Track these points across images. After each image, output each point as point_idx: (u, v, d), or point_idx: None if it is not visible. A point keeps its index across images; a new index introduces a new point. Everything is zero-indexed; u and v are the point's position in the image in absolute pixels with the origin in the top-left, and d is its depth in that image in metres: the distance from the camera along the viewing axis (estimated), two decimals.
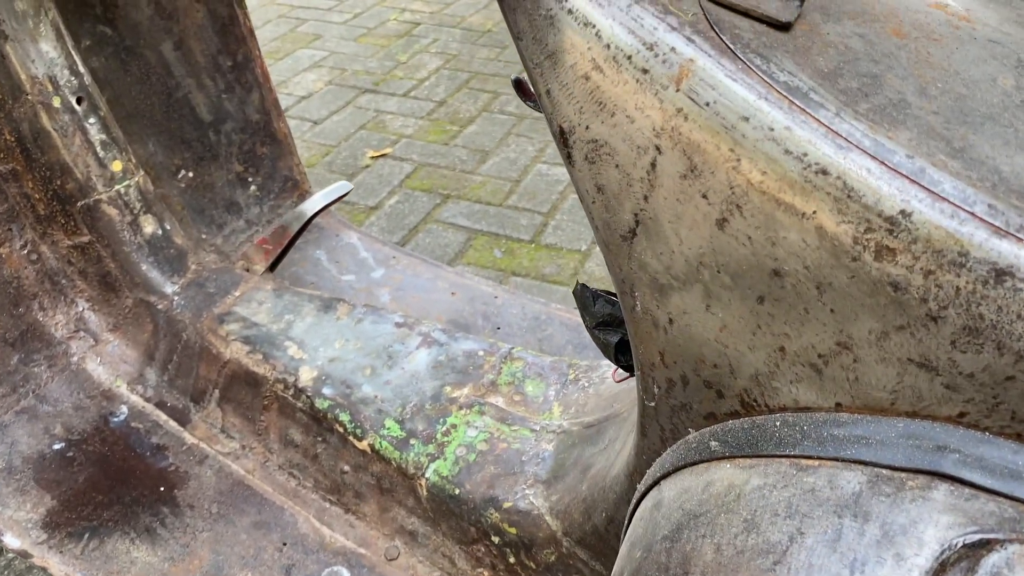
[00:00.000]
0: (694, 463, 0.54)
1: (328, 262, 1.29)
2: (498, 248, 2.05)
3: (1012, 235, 0.40)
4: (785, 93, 0.46)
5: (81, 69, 0.99)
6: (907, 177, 0.42)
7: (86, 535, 0.91)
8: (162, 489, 0.96)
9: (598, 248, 2.01)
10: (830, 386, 0.48)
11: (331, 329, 1.04)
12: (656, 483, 0.58)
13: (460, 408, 0.94)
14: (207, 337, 1.03)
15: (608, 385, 0.92)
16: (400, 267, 1.29)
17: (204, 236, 1.20)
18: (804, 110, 0.45)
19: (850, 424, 0.47)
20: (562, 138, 0.56)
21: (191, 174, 1.22)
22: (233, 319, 1.05)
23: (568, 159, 0.57)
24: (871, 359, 0.45)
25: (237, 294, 1.07)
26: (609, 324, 0.72)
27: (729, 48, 0.48)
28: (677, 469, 0.56)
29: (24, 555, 0.88)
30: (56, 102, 0.98)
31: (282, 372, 0.98)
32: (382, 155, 2.43)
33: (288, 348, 1.01)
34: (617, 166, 0.53)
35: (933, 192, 0.42)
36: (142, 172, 1.05)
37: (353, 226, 1.35)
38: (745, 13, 0.50)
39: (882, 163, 0.43)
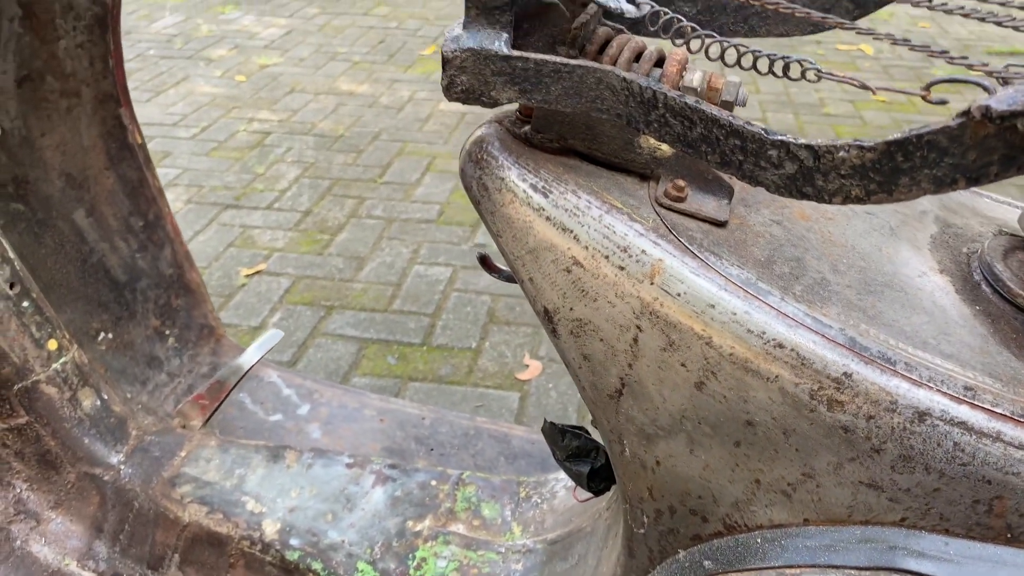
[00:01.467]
0: None
1: (253, 404, 1.32)
2: (391, 355, 2.12)
3: (925, 385, 0.55)
4: (740, 284, 0.59)
5: (11, 255, 1.00)
6: (843, 346, 0.56)
7: None
8: None
9: (488, 345, 2.13)
10: (799, 507, 0.61)
11: (284, 478, 1.08)
12: None
13: (425, 541, 1.01)
14: (161, 502, 1.04)
15: (561, 499, 1.02)
16: (324, 400, 1.34)
17: (129, 395, 1.20)
18: (756, 297, 0.58)
19: (818, 535, 0.60)
20: (547, 316, 0.67)
21: (111, 335, 1.22)
22: (185, 480, 1.06)
23: (553, 333, 0.68)
24: (830, 484, 0.59)
25: (183, 454, 1.09)
26: (577, 455, 0.82)
27: (688, 248, 0.61)
28: None
29: None
30: None
31: (245, 528, 1.01)
32: (256, 272, 2.45)
33: (247, 503, 1.04)
34: (602, 340, 0.64)
35: (865, 356, 0.56)
36: (75, 346, 1.06)
37: (270, 363, 1.38)
38: (691, 215, 0.64)
39: (823, 336, 0.57)
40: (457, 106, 3.59)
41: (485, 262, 0.80)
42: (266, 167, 3.03)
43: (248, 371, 1.26)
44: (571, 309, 0.65)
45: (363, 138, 3.28)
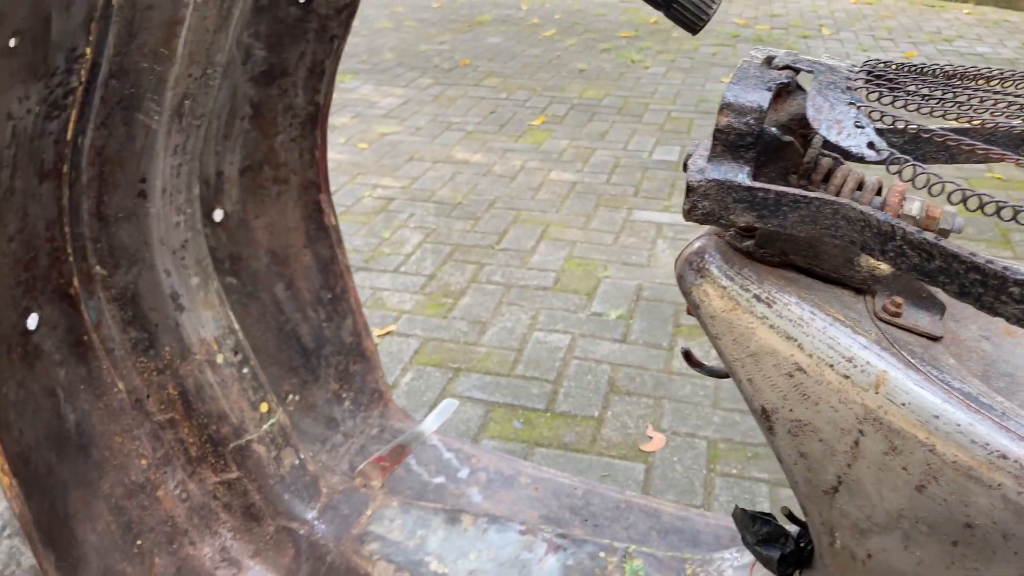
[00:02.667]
0: None
1: (417, 466, 1.41)
2: (516, 419, 2.20)
3: None
4: (962, 397, 0.65)
5: (236, 326, 1.13)
6: None
7: None
8: None
9: (610, 414, 2.19)
10: None
11: (462, 541, 1.16)
12: None
13: None
14: (352, 558, 1.13)
15: None
16: (481, 465, 1.43)
17: (311, 454, 1.31)
18: (979, 411, 0.64)
19: None
20: (764, 415, 0.74)
21: (298, 397, 1.34)
22: (372, 539, 1.16)
23: (769, 431, 0.74)
24: None
25: (368, 513, 1.19)
26: (767, 540, 0.88)
27: (911, 362, 0.67)
28: None
29: None
30: (219, 359, 1.11)
31: None
32: (387, 332, 2.58)
33: (430, 563, 1.12)
34: (821, 440, 0.71)
35: None
36: (280, 410, 1.18)
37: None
38: (908, 330, 0.70)
39: None
40: (568, 176, 3.72)
41: (689, 357, 0.88)
42: (391, 232, 3.20)
43: (424, 439, 1.36)
44: (790, 410, 0.72)
45: (479, 206, 3.43)
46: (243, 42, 1.15)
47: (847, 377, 0.69)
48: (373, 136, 4.19)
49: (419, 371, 2.39)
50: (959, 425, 0.65)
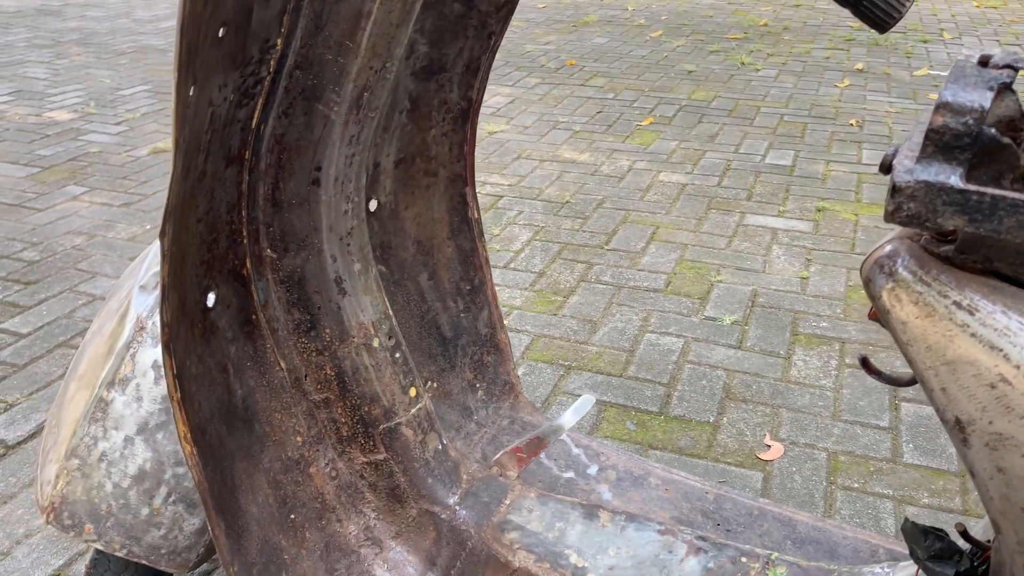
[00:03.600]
0: None
1: (547, 460, 1.42)
2: (629, 420, 2.19)
3: None
4: None
5: (390, 312, 1.16)
6: None
7: None
8: None
9: (726, 420, 2.16)
10: None
11: (601, 537, 1.16)
12: None
13: None
14: (492, 545, 1.15)
15: None
16: (610, 463, 1.43)
17: (446, 441, 1.34)
18: None
19: None
20: (958, 426, 0.72)
21: (435, 384, 1.37)
22: (511, 527, 1.17)
23: (963, 443, 0.72)
24: None
25: (507, 502, 1.20)
26: (941, 558, 0.85)
27: None
28: None
29: None
30: (375, 342, 1.14)
31: None
32: None
33: (569, 556, 1.13)
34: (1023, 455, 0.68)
35: None
36: (426, 396, 1.21)
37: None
38: None
39: None
40: (678, 177, 3.68)
41: (866, 364, 0.86)
42: (501, 228, 3.23)
43: (563, 432, 1.37)
44: (990, 423, 0.69)
45: (587, 205, 3.43)
46: (409, 37, 1.19)
47: None
48: (481, 134, 4.24)
49: (531, 367, 2.41)
50: None
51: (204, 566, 1.70)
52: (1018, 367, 0.68)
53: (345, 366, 1.14)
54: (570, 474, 1.40)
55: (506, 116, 4.50)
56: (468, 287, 1.40)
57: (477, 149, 4.02)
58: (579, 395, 2.27)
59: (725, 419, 2.18)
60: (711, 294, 2.77)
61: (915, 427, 2.12)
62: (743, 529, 1.30)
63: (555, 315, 2.67)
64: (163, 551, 1.13)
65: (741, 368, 2.38)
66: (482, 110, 4.58)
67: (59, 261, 2.96)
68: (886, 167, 0.73)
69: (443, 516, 1.19)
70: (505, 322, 2.64)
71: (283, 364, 1.13)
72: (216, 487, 0.98)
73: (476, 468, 1.26)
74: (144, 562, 1.13)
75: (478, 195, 3.53)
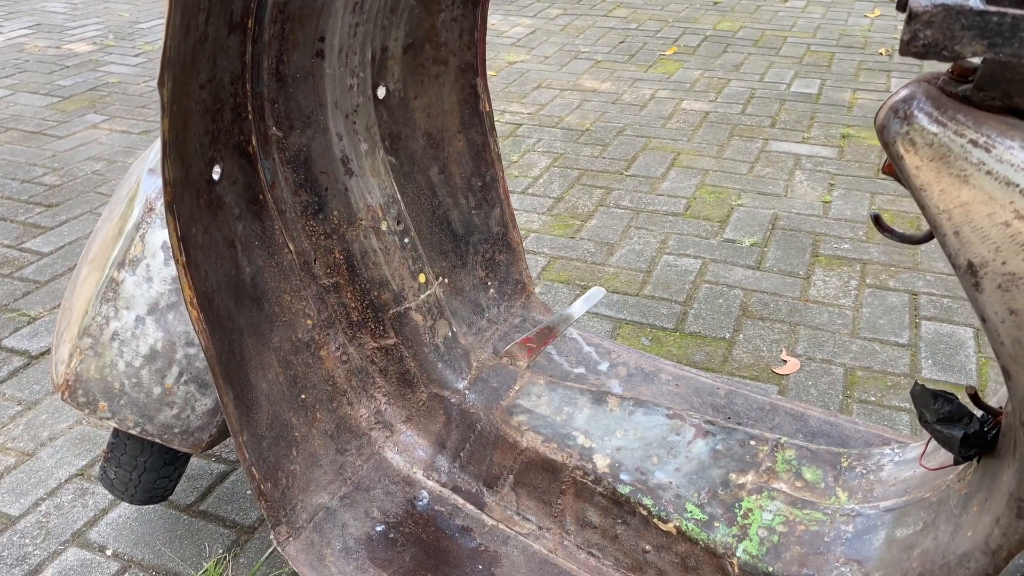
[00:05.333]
0: None
1: (558, 356, 1.42)
2: (644, 336, 2.18)
3: None
4: None
5: (398, 197, 1.15)
6: None
7: None
8: (480, 567, 1.08)
9: (742, 337, 2.14)
10: None
11: (609, 420, 1.16)
12: None
13: (749, 493, 1.05)
14: (501, 427, 1.15)
15: (889, 472, 1.04)
16: (621, 360, 1.42)
17: (456, 329, 1.34)
18: None
19: None
20: (970, 270, 0.70)
21: (447, 280, 1.37)
22: (520, 411, 1.17)
23: (975, 287, 0.70)
24: None
25: (517, 388, 1.21)
26: (950, 420, 0.84)
27: None
28: None
29: None
30: (384, 226, 1.14)
31: (578, 460, 1.10)
32: None
33: (577, 437, 1.13)
34: None
35: None
36: (436, 283, 1.20)
37: (572, 323, 1.48)
38: None
39: None
40: (700, 106, 3.61)
41: (879, 222, 0.84)
42: (519, 155, 3.20)
43: (574, 321, 1.37)
44: (1003, 263, 0.68)
45: (608, 132, 3.38)
46: None
47: None
48: (501, 64, 4.18)
49: (547, 286, 2.40)
50: None
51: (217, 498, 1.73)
52: None
53: (354, 249, 1.14)
54: (580, 369, 1.40)
55: (527, 46, 4.43)
56: (480, 183, 1.39)
57: (496, 79, 3.97)
58: (596, 314, 2.27)
59: (741, 336, 2.17)
60: (731, 217, 2.74)
61: (935, 344, 2.09)
62: (753, 423, 1.29)
63: (572, 238, 2.65)
64: (176, 430, 1.14)
65: (759, 288, 2.36)
66: (502, 40, 4.51)
67: (80, 185, 2.98)
68: (903, 2, 0.70)
69: (453, 400, 1.19)
70: (525, 258, 2.63)
71: (292, 246, 1.13)
72: (224, 356, 0.99)
73: (486, 357, 1.26)
74: (157, 440, 1.15)
75: (496, 124, 3.49)
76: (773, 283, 2.37)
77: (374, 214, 1.13)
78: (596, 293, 1.43)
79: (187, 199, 0.94)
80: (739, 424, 1.30)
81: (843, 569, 0.94)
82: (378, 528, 1.11)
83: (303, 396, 1.13)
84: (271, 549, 1.55)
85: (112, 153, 3.23)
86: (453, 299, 1.38)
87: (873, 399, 1.93)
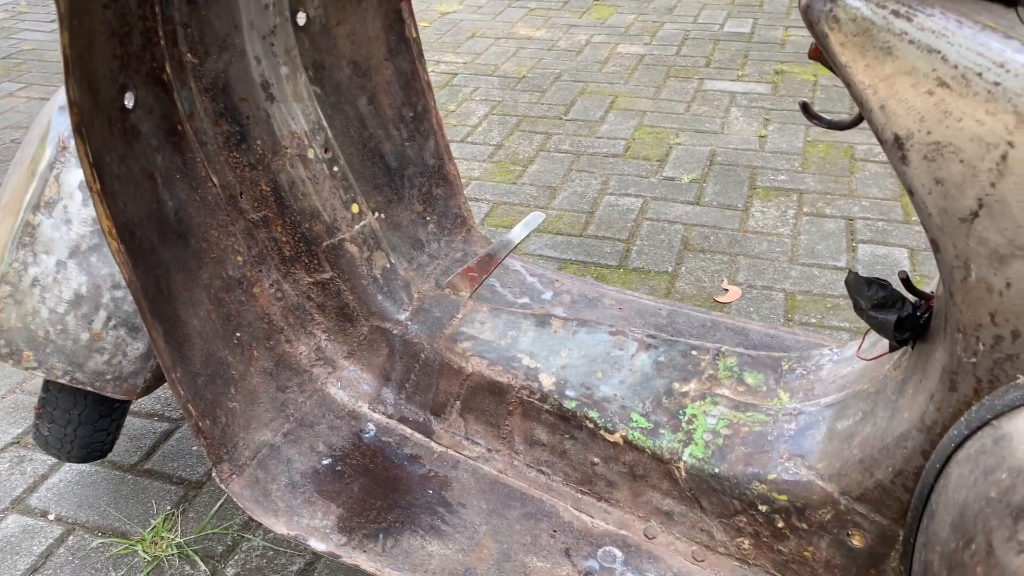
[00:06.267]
0: None
1: (502, 288, 1.41)
2: (589, 275, 2.18)
3: None
4: None
5: (324, 124, 1.12)
6: None
7: (380, 535, 1.01)
8: (430, 492, 1.07)
9: (684, 269, 2.16)
10: None
11: (553, 341, 1.16)
12: (985, 424, 0.71)
13: (693, 400, 1.06)
14: (445, 355, 1.14)
15: (828, 371, 1.05)
16: (565, 288, 1.42)
17: (394, 260, 1.31)
18: None
19: None
20: (896, 143, 0.70)
21: (383, 215, 1.34)
22: (464, 338, 1.16)
23: (902, 160, 0.70)
24: None
25: (460, 316, 1.19)
26: (883, 305, 0.85)
27: None
28: (1013, 409, 0.68)
29: (333, 556, 0.98)
30: (311, 154, 1.10)
31: (524, 380, 1.10)
32: None
33: (522, 359, 1.13)
34: (962, 161, 0.67)
35: None
36: (370, 213, 1.17)
37: (515, 255, 1.47)
38: None
39: None
40: (636, 48, 3.60)
41: (807, 109, 0.84)
42: (457, 104, 3.15)
43: (514, 248, 1.35)
44: (928, 133, 0.68)
45: (545, 79, 3.35)
46: None
47: (998, 84, 0.64)
48: (433, 15, 4.10)
49: (491, 232, 2.38)
50: None
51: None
52: (955, 67, 0.66)
53: (281, 180, 1.10)
54: (525, 299, 1.39)
55: None
56: (411, 114, 1.36)
57: (430, 30, 3.90)
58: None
59: (683, 268, 2.18)
60: (669, 156, 2.74)
61: (872, 265, 2.14)
62: (696, 339, 1.30)
63: (514, 184, 2.63)
64: (108, 377, 1.10)
65: (699, 222, 2.38)
66: None
67: None
68: None
69: (395, 332, 1.17)
70: (464, 192, 2.60)
71: (215, 180, 1.09)
72: (150, 291, 0.95)
73: (428, 288, 1.24)
74: (89, 388, 1.11)
75: (432, 73, 3.43)
76: (713, 217, 2.39)
77: (299, 141, 1.09)
78: (535, 218, 1.41)
79: (98, 125, 0.89)
80: (682, 337, 1.31)
81: (787, 464, 0.95)
82: (324, 462, 1.09)
83: (238, 334, 1.10)
84: (220, 502, 1.52)
85: (30, 120, 3.09)
86: (392, 234, 1.35)
87: (814, 320, 1.96)
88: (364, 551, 0.98)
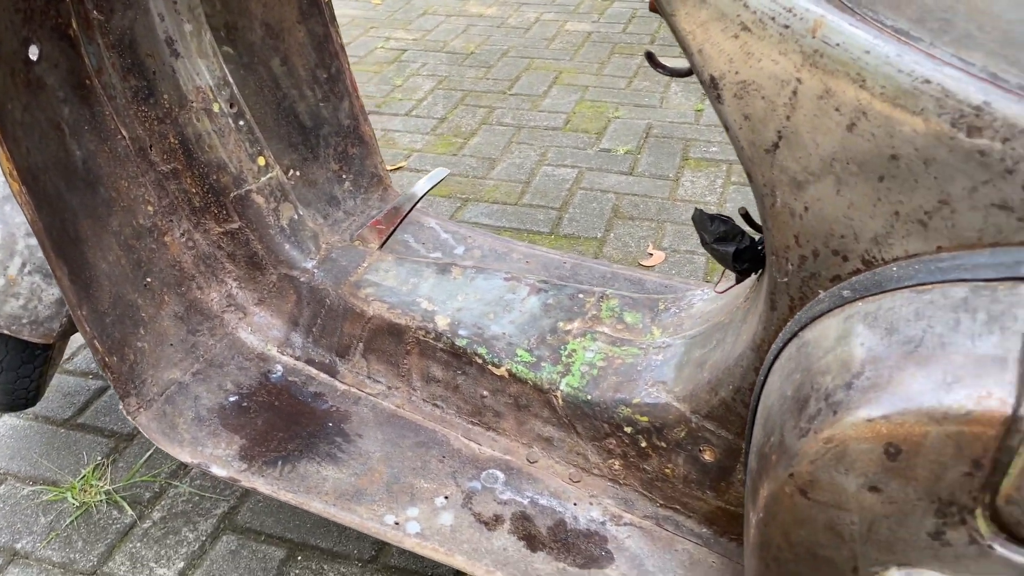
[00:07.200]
0: (829, 311, 0.76)
1: (415, 243, 1.48)
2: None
3: None
4: (893, 32, 0.68)
5: (230, 80, 1.18)
6: (985, 80, 0.65)
7: (279, 462, 1.08)
8: (330, 424, 1.14)
9: (613, 235, 2.24)
10: (933, 235, 0.70)
11: (451, 286, 1.23)
12: (794, 335, 0.79)
13: (575, 337, 1.14)
14: (349, 300, 1.21)
15: (698, 308, 1.14)
16: (477, 244, 1.49)
17: (303, 212, 1.38)
18: (908, 43, 0.67)
19: (951, 259, 0.70)
20: (712, 83, 0.78)
21: (298, 173, 1.40)
22: (368, 285, 1.23)
23: (717, 99, 0.78)
24: (964, 208, 0.68)
25: (365, 265, 1.26)
26: (724, 239, 0.93)
27: (846, 5, 0.70)
28: (814, 319, 0.77)
29: (232, 481, 1.05)
30: (216, 107, 1.16)
31: (421, 321, 1.17)
32: (398, 168, 2.63)
33: (421, 303, 1.20)
34: (763, 98, 0.75)
35: (1004, 87, 0.64)
36: (278, 167, 1.24)
37: (431, 213, 1.54)
38: None
39: (966, 72, 0.65)
40: (584, 25, 3.67)
41: (652, 59, 0.91)
42: (403, 79, 3.20)
43: (419, 200, 1.42)
44: (736, 73, 0.76)
45: (493, 55, 3.41)
46: None
47: (787, 27, 0.72)
48: None
49: (428, 201, 2.45)
50: (887, 57, 0.68)
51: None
52: (754, 12, 0.73)
53: (188, 133, 1.17)
54: (436, 254, 1.46)
55: None
56: (325, 75, 1.42)
57: (382, 7, 3.94)
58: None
59: (612, 234, 2.27)
60: (608, 129, 2.82)
61: None
62: (594, 286, 1.38)
63: (455, 155, 2.70)
64: (24, 321, 1.16)
65: (631, 191, 2.46)
66: None
67: None
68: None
69: (302, 279, 1.24)
70: (404, 164, 2.66)
71: (125, 132, 1.15)
72: (55, 233, 1.01)
73: (337, 240, 1.31)
74: (5, 332, 1.17)
75: (380, 50, 3.48)
76: (644, 186, 2.48)
77: (204, 96, 1.15)
78: (440, 172, 1.49)
79: (0, 75, 0.95)
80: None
81: (650, 390, 1.03)
82: (231, 399, 1.16)
83: (148, 279, 1.16)
84: (149, 452, 1.59)
85: None
86: (307, 191, 1.41)
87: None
88: (262, 476, 1.06)
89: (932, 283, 0.69)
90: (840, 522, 0.67)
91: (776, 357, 0.82)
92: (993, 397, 0.59)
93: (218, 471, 1.06)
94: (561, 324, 1.16)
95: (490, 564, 0.97)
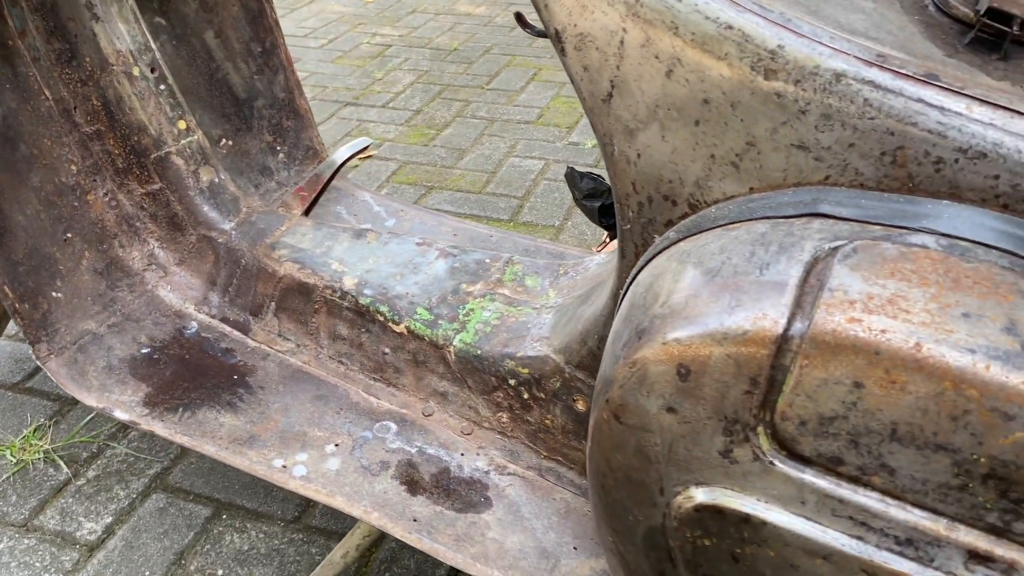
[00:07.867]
0: (659, 253, 0.79)
1: (347, 215, 1.53)
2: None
3: (844, 53, 0.66)
4: None
5: (152, 46, 1.23)
6: (780, 25, 0.68)
7: (180, 409, 1.12)
8: (235, 377, 1.18)
9: (570, 224, 2.28)
10: (745, 176, 0.73)
11: (364, 250, 1.27)
12: (634, 278, 0.83)
13: (475, 298, 1.18)
14: (263, 260, 1.25)
15: (592, 271, 1.17)
16: (408, 217, 1.53)
17: (224, 176, 1.42)
18: None
19: (759, 199, 0.73)
20: (557, 36, 0.82)
21: (231, 143, 1.45)
22: (283, 246, 1.28)
23: (562, 52, 0.82)
24: (768, 149, 0.71)
25: (283, 228, 1.31)
26: (592, 195, 0.97)
27: None
28: (648, 262, 0.80)
29: (133, 424, 1.09)
30: (136, 71, 1.21)
31: (329, 281, 1.21)
32: (368, 156, 2.68)
33: (332, 264, 1.24)
34: (597, 49, 0.78)
35: (797, 32, 0.68)
36: (200, 131, 1.29)
37: (365, 187, 1.59)
38: None
39: (764, 18, 0.69)
40: None
41: (520, 19, 0.95)
42: (384, 73, 3.26)
43: (341, 166, 1.47)
44: (575, 25, 0.79)
45: (475, 52, 3.46)
46: None
47: None
48: None
49: (394, 188, 2.50)
50: (696, 4, 0.72)
51: None
52: None
53: (109, 95, 1.22)
54: (367, 225, 1.51)
55: None
56: (259, 48, 1.47)
57: (373, 5, 4.00)
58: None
59: (569, 223, 2.30)
60: (579, 124, 2.86)
61: None
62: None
63: (426, 146, 2.75)
64: None
65: None
66: None
67: None
68: None
69: (220, 240, 1.29)
70: (374, 153, 2.72)
71: (49, 93, 1.20)
72: None
73: (260, 205, 1.36)
74: None
75: (365, 45, 3.54)
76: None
77: (125, 60, 1.21)
78: (362, 141, 1.53)
79: None
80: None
81: (535, 344, 1.07)
82: (143, 351, 1.21)
83: (68, 235, 1.21)
84: (91, 415, 1.64)
85: None
86: (239, 160, 1.46)
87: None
88: (162, 420, 1.10)
89: (740, 221, 0.72)
90: (646, 443, 0.70)
91: (620, 303, 0.85)
92: (768, 318, 0.62)
93: (120, 415, 1.10)
94: (464, 286, 1.20)
95: (368, 505, 1.01)
